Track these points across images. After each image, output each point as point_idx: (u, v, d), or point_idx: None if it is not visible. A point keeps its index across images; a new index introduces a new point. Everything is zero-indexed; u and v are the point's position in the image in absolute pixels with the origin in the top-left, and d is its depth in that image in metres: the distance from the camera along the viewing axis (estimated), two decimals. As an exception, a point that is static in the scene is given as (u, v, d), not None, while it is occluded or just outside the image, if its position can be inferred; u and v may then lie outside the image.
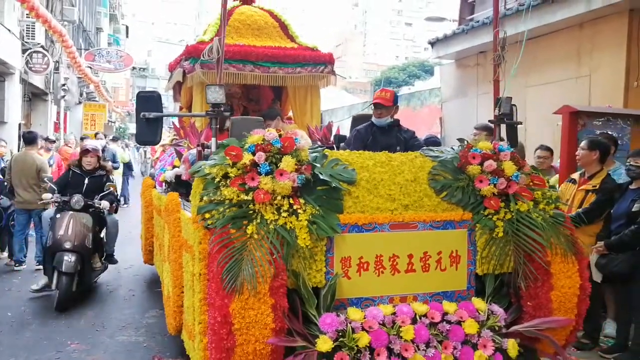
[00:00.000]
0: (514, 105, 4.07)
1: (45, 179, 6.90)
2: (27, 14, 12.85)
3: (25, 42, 13.44)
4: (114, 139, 16.32)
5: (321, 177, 3.03)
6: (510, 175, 3.33)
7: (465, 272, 3.30)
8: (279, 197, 2.91)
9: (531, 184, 3.43)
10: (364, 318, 2.94)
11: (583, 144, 4.97)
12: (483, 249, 3.28)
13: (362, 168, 3.24)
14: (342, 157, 3.27)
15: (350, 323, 2.90)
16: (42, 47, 13.95)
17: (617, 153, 5.71)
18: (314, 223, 2.94)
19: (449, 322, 3.07)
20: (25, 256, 7.65)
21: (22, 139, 8.60)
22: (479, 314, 3.15)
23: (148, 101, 3.37)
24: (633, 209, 4.47)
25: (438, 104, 13.10)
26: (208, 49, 3.34)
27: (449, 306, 3.13)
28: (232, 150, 2.96)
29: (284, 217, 2.89)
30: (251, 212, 2.87)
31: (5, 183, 7.68)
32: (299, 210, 2.92)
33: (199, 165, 3.09)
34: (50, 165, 10.47)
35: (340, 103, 21.27)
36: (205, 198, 2.90)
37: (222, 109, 3.29)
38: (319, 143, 5.99)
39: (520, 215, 3.28)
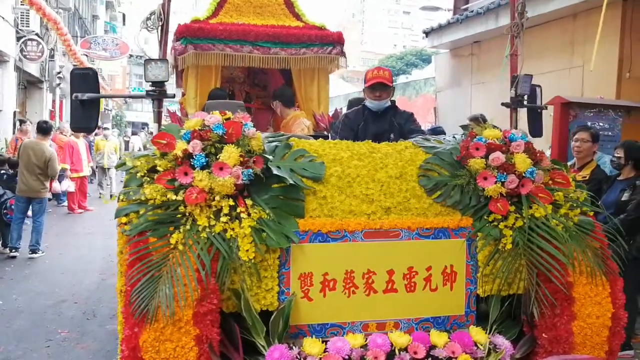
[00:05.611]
0: (538, 86, 3.35)
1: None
2: (21, 2, 12.82)
3: (20, 29, 13.39)
4: (134, 133, 16.32)
5: (275, 171, 2.41)
6: (524, 172, 2.62)
7: (463, 293, 2.62)
8: (217, 197, 2.30)
9: (550, 182, 2.71)
10: (324, 352, 2.32)
11: (584, 135, 4.84)
12: (486, 265, 2.59)
13: (334, 161, 2.60)
14: (310, 148, 2.64)
15: (305, 358, 2.28)
16: (36, 34, 13.91)
17: (608, 144, 5.90)
18: (263, 230, 2.32)
19: (436, 358, 2.41)
20: (19, 243, 7.67)
21: (36, 128, 8.47)
22: (477, 348, 2.46)
23: (83, 80, 2.81)
24: (622, 199, 4.42)
25: (433, 93, 13.09)
26: (148, 15, 2.75)
27: (437, 337, 2.45)
28: (161, 137, 2.37)
29: (222, 222, 2.28)
30: (180, 216, 2.28)
31: (2, 171, 7.85)
32: (243, 215, 2.31)
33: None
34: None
35: (336, 92, 20.76)
36: (121, 197, 2.32)
37: (164, 88, 2.70)
38: (325, 132, 5.41)
39: (535, 222, 2.57)
